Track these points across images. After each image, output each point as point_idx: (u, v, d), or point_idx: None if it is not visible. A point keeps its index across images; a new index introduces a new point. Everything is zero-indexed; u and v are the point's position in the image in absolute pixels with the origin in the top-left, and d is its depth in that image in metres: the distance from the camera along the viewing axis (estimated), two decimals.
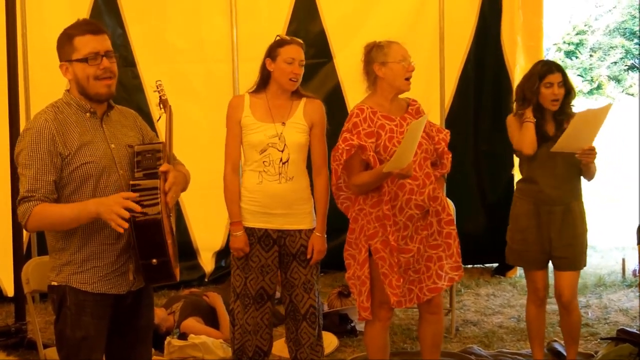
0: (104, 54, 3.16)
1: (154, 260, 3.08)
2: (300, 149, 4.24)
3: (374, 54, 4.20)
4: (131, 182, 3.15)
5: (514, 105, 4.77)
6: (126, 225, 2.94)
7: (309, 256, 4.27)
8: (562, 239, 4.61)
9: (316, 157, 4.34)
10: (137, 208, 2.98)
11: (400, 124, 4.17)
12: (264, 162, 4.19)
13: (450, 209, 4.36)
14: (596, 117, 4.39)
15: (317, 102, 4.35)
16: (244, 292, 4.29)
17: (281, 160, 4.18)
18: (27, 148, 3.08)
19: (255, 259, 4.26)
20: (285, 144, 4.18)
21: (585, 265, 4.75)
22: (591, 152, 4.40)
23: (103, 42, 3.18)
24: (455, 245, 4.30)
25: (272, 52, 4.24)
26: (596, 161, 4.51)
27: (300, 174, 4.27)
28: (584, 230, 4.70)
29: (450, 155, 4.35)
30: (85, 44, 3.14)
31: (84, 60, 3.13)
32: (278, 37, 4.32)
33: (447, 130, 4.41)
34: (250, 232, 4.25)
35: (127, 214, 2.94)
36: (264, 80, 4.29)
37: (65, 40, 3.18)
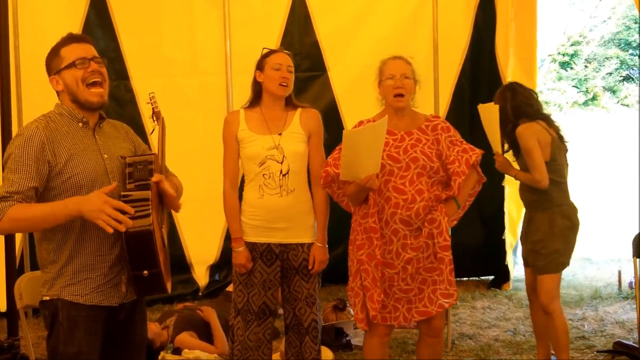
0: (91, 58, 3.19)
1: (145, 272, 3.06)
2: (299, 158, 4.19)
3: (377, 72, 4.23)
4: (122, 193, 3.13)
5: None
6: (123, 228, 2.90)
7: (310, 267, 4.22)
8: (525, 244, 4.99)
9: (314, 167, 4.29)
10: (129, 209, 2.94)
11: (403, 137, 4.12)
12: (263, 175, 4.14)
13: (447, 234, 4.14)
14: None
15: (313, 112, 4.32)
16: (247, 307, 4.24)
17: (281, 172, 4.14)
18: (14, 153, 3.07)
19: (257, 275, 4.21)
20: (283, 155, 4.15)
21: (551, 272, 4.77)
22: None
23: (89, 49, 3.22)
24: (447, 271, 4.09)
25: (260, 64, 4.25)
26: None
27: (301, 186, 4.22)
28: (545, 239, 4.76)
29: (461, 179, 4.09)
30: (71, 52, 3.17)
31: (72, 65, 3.15)
32: (265, 50, 4.32)
33: (478, 151, 4.20)
34: (252, 247, 4.21)
35: (120, 216, 2.89)
36: (257, 93, 4.28)
37: (53, 55, 3.21)
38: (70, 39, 3.22)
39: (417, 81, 4.23)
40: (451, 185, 4.12)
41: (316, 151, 4.28)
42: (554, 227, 4.75)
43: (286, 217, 4.17)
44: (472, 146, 4.24)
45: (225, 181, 4.29)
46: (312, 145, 4.26)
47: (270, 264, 4.22)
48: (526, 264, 5.02)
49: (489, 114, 4.72)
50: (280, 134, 4.18)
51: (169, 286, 3.23)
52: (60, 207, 2.99)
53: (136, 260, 3.05)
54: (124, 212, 2.93)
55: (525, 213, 5.00)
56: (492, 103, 4.74)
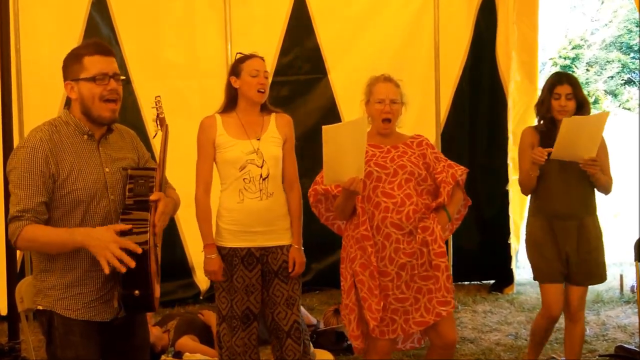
0: (112, 75, 3.15)
1: (137, 292, 3.03)
2: (277, 162, 4.23)
3: (365, 89, 4.24)
4: (122, 211, 3.14)
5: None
6: (123, 269, 2.89)
7: (290, 269, 4.23)
8: (578, 254, 4.62)
9: (288, 171, 4.33)
10: (137, 249, 2.93)
11: (389, 150, 4.15)
12: (244, 179, 4.16)
13: (442, 241, 4.09)
14: (592, 125, 4.40)
15: (287, 117, 4.37)
16: (231, 314, 4.24)
17: (261, 176, 4.16)
18: (19, 167, 3.05)
19: (239, 280, 4.21)
20: (263, 159, 4.17)
21: (605, 279, 4.76)
22: (593, 163, 4.41)
23: (111, 64, 3.18)
24: (443, 278, 4.05)
25: (235, 69, 4.26)
26: (613, 174, 4.62)
27: (279, 189, 4.26)
28: (599, 245, 4.69)
29: (449, 187, 4.13)
30: (94, 64, 3.12)
31: (92, 79, 3.11)
32: (238, 55, 4.34)
33: (463, 168, 4.25)
34: (233, 252, 4.21)
35: (125, 257, 2.89)
36: (232, 99, 4.29)
37: (74, 60, 3.16)
38: (96, 49, 3.17)
39: (404, 103, 4.25)
40: (440, 192, 4.14)
41: (289, 156, 4.34)
42: (601, 231, 4.72)
43: (265, 220, 4.19)
44: (457, 163, 4.28)
45: (198, 186, 4.29)
46: (287, 151, 4.31)
47: (252, 268, 4.22)
48: (571, 277, 4.69)
49: (596, 122, 4.41)
50: (258, 139, 4.20)
51: (156, 304, 3.19)
52: (68, 238, 3.00)
53: (129, 280, 3.02)
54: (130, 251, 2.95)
55: (568, 227, 4.61)
56: (604, 111, 4.53)
